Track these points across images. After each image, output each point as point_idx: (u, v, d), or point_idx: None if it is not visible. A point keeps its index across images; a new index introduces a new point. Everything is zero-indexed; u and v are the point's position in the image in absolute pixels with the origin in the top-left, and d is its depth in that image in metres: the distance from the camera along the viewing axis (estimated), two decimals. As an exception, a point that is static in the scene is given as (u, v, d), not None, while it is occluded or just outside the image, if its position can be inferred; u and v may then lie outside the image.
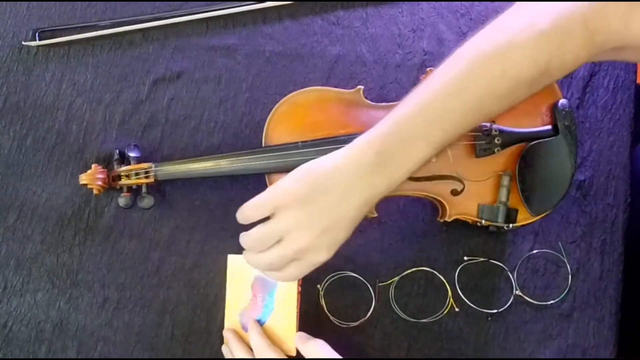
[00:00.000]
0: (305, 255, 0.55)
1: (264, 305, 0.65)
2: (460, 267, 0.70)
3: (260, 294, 0.65)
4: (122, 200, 0.69)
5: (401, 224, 0.71)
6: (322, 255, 0.55)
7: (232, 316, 0.66)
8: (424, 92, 0.53)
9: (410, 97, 0.54)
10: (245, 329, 0.65)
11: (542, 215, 0.67)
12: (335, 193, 0.54)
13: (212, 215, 0.71)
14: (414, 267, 0.70)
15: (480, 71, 0.52)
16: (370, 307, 0.69)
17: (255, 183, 0.70)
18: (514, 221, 0.66)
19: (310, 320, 0.68)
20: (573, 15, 0.50)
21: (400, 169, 0.53)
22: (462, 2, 0.77)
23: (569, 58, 0.51)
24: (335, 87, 0.71)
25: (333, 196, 0.54)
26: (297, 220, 0.54)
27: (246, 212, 0.58)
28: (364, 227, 0.71)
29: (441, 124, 0.52)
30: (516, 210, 0.66)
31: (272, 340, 0.64)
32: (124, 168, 0.69)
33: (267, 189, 0.57)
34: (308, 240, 0.54)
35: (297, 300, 0.64)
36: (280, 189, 0.56)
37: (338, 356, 0.60)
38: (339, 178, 0.54)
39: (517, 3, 0.54)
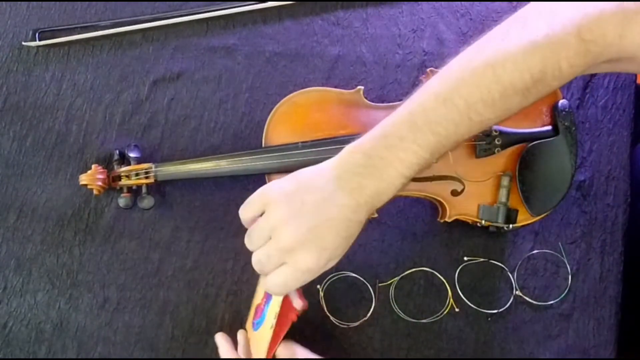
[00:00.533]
0: (291, 257, 0.53)
1: (263, 313, 0.63)
2: (460, 268, 0.70)
3: (265, 299, 0.63)
4: (122, 200, 0.69)
5: (401, 225, 0.71)
6: (309, 258, 0.52)
7: (253, 307, 0.66)
8: (415, 97, 0.53)
9: (402, 106, 0.54)
10: (252, 324, 0.65)
11: (542, 215, 0.67)
12: (321, 192, 0.53)
13: (212, 216, 0.71)
14: (414, 268, 0.70)
15: (472, 77, 0.51)
16: (370, 307, 0.69)
17: (256, 183, 0.70)
18: (514, 221, 0.66)
19: (311, 320, 0.68)
20: (567, 27, 0.50)
21: (391, 171, 0.52)
22: (462, 2, 0.77)
23: (565, 66, 0.51)
24: (335, 87, 0.71)
25: (319, 194, 0.53)
26: (283, 215, 0.53)
27: (240, 212, 0.58)
28: (364, 227, 0.71)
29: (432, 127, 0.52)
30: (516, 211, 0.66)
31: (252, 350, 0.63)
32: (124, 168, 0.69)
33: (257, 190, 0.57)
34: (293, 238, 0.52)
35: (273, 327, 0.59)
36: (268, 186, 0.56)
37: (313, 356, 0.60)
38: (326, 178, 0.53)
39: (512, 16, 0.54)
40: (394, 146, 0.52)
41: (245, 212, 0.57)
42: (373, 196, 0.53)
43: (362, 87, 0.69)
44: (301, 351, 0.61)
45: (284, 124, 0.68)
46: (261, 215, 0.56)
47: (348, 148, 0.54)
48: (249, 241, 0.56)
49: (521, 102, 0.52)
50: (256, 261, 0.55)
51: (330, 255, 0.53)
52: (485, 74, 0.51)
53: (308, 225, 0.52)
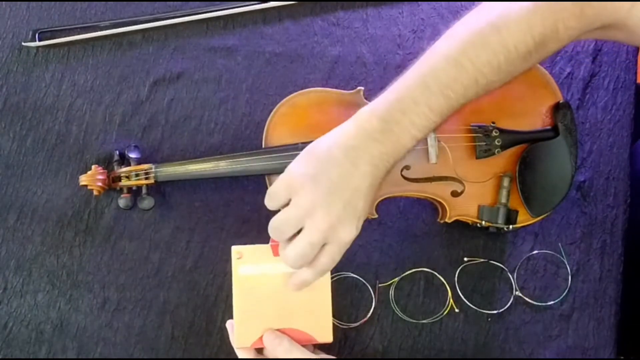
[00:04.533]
0: (333, 235, 0.54)
1: None
2: (460, 268, 0.70)
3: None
4: (122, 201, 0.69)
5: (401, 225, 0.71)
6: (348, 230, 0.54)
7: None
8: (425, 59, 0.55)
9: (412, 69, 0.55)
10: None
11: (542, 216, 0.67)
12: (345, 163, 0.53)
13: (212, 217, 0.71)
14: (414, 268, 0.70)
15: (478, 39, 0.53)
16: (370, 307, 0.69)
17: (256, 184, 0.70)
18: (514, 222, 0.66)
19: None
20: None
21: (405, 135, 0.53)
22: (462, 2, 0.77)
23: (562, 28, 0.53)
24: (336, 88, 0.71)
25: (344, 167, 0.53)
26: (314, 199, 0.53)
27: (266, 203, 0.57)
28: (364, 227, 0.70)
29: (443, 90, 0.53)
30: (516, 212, 0.66)
31: None
32: (124, 169, 0.69)
33: (278, 178, 0.56)
34: (332, 217, 0.53)
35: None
36: (288, 174, 0.56)
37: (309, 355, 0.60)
38: (345, 148, 0.54)
39: None
40: (408, 110, 0.53)
41: (272, 203, 0.57)
42: (389, 159, 0.54)
43: (363, 88, 0.69)
44: (287, 344, 0.61)
45: (284, 124, 0.68)
46: (288, 204, 0.55)
47: (363, 114, 0.55)
48: (279, 232, 0.55)
49: (522, 66, 0.55)
50: (300, 254, 0.55)
51: (363, 219, 0.55)
52: (491, 37, 0.53)
53: (342, 200, 0.53)
